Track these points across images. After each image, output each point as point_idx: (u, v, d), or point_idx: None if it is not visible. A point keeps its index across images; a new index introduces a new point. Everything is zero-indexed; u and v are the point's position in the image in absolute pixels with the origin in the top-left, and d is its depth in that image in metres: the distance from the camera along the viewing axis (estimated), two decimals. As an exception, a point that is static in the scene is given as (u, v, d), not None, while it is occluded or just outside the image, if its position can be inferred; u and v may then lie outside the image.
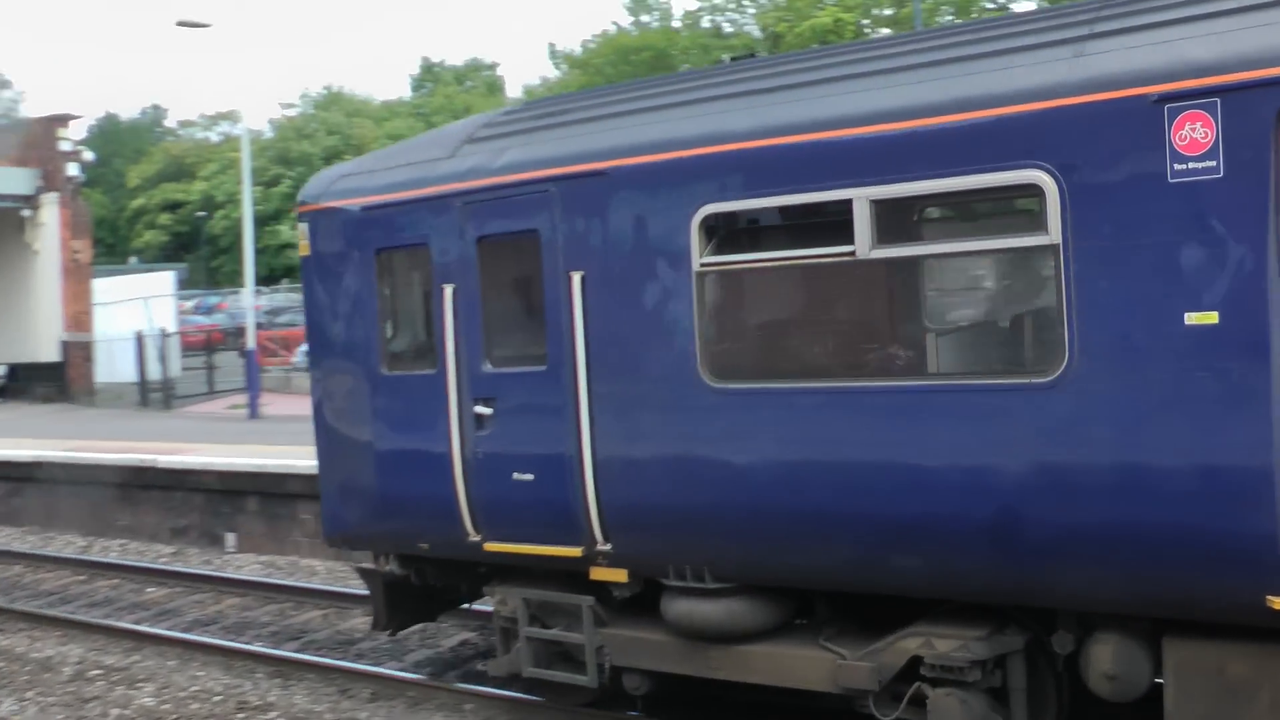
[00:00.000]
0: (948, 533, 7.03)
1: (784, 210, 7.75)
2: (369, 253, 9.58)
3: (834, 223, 7.33)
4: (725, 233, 7.86)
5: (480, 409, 8.98)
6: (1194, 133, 6.22)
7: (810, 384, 7.51)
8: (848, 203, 7.24)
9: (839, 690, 7.93)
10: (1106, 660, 7.02)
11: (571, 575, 8.93)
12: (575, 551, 8.63)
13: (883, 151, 7.10)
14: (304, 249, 10.21)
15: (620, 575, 8.60)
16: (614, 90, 9.21)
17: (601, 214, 8.27)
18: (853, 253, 7.25)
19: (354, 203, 9.73)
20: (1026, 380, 6.76)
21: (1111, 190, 6.45)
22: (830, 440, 7.34)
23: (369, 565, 10.58)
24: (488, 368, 8.93)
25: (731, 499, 7.76)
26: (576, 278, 8.37)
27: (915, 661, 7.62)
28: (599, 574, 8.70)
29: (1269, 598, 6.21)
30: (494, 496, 8.93)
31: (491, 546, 9.05)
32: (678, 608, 8.38)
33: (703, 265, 7.82)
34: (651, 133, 8.16)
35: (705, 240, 7.80)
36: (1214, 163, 6.19)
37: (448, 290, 9.07)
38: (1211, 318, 6.21)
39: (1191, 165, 6.24)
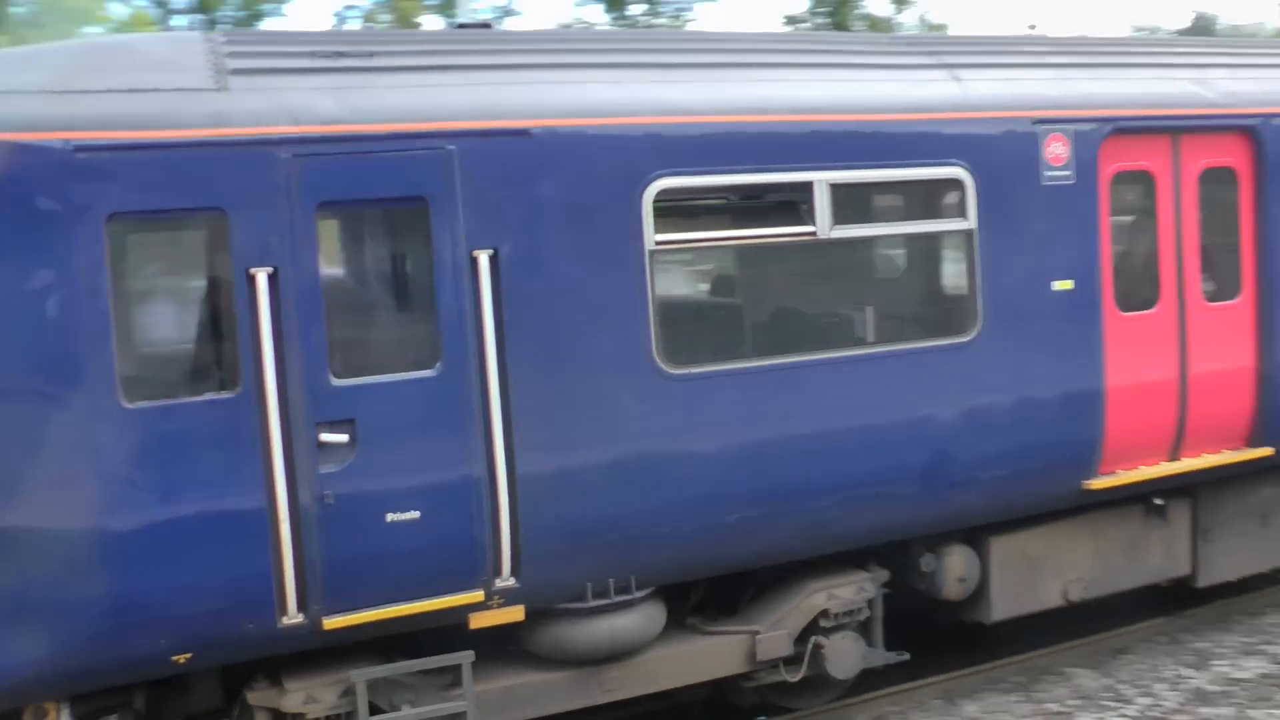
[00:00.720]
0: (893, 482, 8.04)
1: (745, 189, 7.69)
2: (93, 221, 6.11)
3: (792, 203, 7.71)
4: (681, 209, 7.46)
5: (328, 436, 6.61)
6: (1057, 149, 8.50)
7: (769, 362, 7.68)
8: (809, 185, 7.71)
9: (755, 667, 8.09)
10: (959, 567, 8.76)
11: (392, 640, 7.13)
12: (475, 596, 7.03)
13: (842, 140, 7.79)
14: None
15: (517, 614, 7.26)
16: (535, 37, 7.47)
17: (522, 182, 6.99)
18: (814, 233, 7.74)
19: (52, 138, 6.08)
20: (953, 341, 8.21)
21: (1007, 187, 8.34)
22: (793, 414, 7.67)
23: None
24: (337, 380, 6.62)
25: (688, 492, 7.44)
26: (484, 257, 6.90)
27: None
28: (486, 619, 7.19)
29: (1085, 483, 8.79)
30: (355, 551, 6.67)
31: (334, 623, 6.71)
32: (593, 630, 7.49)
33: (657, 244, 7.31)
34: (596, 93, 7.22)
35: (659, 217, 7.32)
36: (1069, 172, 8.56)
37: (261, 276, 6.42)
38: (1069, 284, 8.55)
39: (1055, 173, 8.50)
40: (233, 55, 6.72)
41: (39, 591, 6.09)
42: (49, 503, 6.08)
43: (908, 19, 26.95)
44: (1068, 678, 9.47)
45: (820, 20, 25.92)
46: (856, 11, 25.96)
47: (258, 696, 6.99)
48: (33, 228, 6.03)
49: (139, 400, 6.19)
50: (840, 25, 25.36)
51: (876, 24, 26.07)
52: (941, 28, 18.22)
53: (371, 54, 6.97)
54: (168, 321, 6.66)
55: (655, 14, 23.71)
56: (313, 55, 6.89)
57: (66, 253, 6.04)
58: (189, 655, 6.49)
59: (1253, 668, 9.50)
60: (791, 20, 26.54)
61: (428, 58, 7.13)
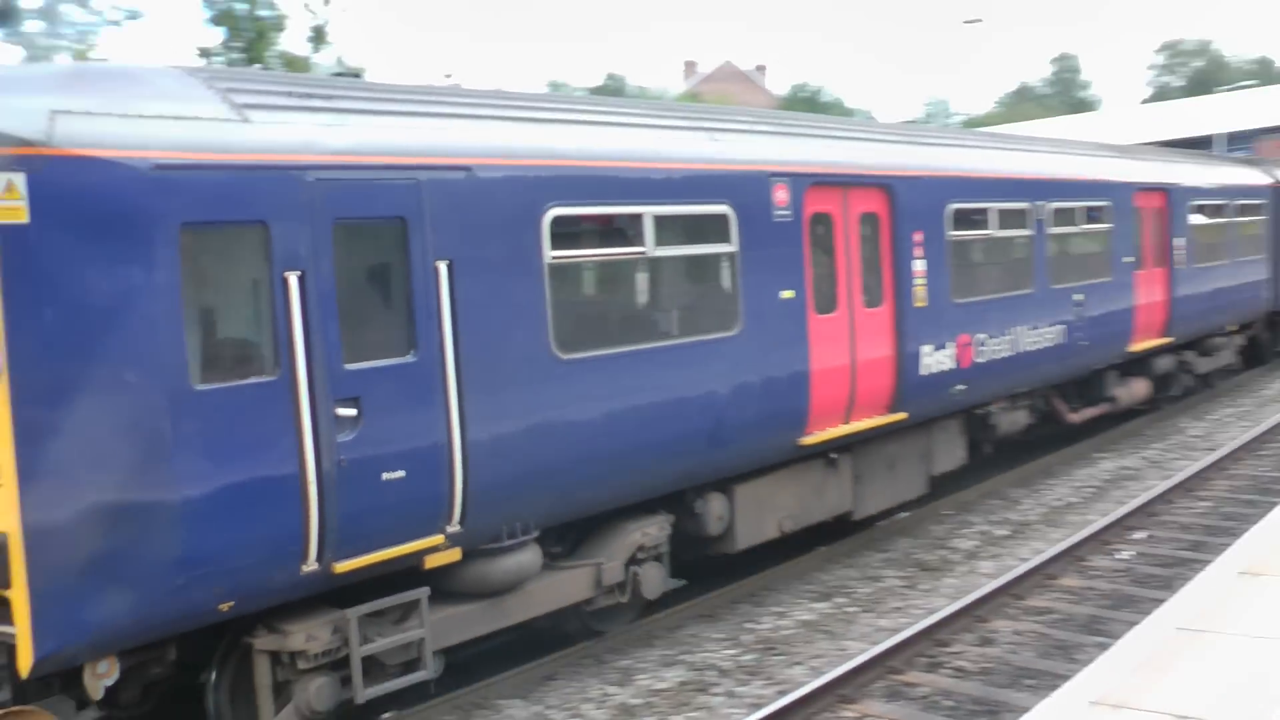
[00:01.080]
0: (692, 442, 10.61)
1: (605, 217, 9.89)
2: (170, 229, 7.25)
3: (632, 228, 10.10)
4: (567, 231, 9.57)
5: (343, 411, 8.13)
6: (781, 195, 11.46)
7: (621, 349, 9.98)
8: (641, 215, 10.14)
9: (598, 592, 10.28)
10: (719, 509, 11.41)
11: (344, 591, 8.61)
12: (436, 540, 8.75)
13: (661, 182, 10.29)
14: (9, 214, 6.75)
15: (457, 555, 9.03)
16: (471, 93, 8.96)
17: (466, 207, 8.85)
18: (644, 252, 10.17)
19: (134, 155, 7.15)
20: (726, 335, 10.92)
21: (754, 221, 11.18)
22: (633, 391, 10.03)
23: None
24: (348, 365, 8.15)
25: (570, 452, 9.59)
26: (443, 266, 8.70)
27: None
28: (437, 560, 8.90)
29: (798, 440, 11.81)
30: (360, 506, 8.20)
31: (342, 567, 8.19)
32: (504, 566, 9.38)
33: (553, 258, 9.42)
34: (514, 140, 9.17)
35: (554, 237, 9.43)
36: (789, 212, 11.53)
37: (292, 279, 7.86)
38: (791, 294, 11.54)
39: (780, 212, 11.46)
40: (233, 91, 7.97)
41: (125, 556, 7.08)
42: (136, 477, 7.10)
43: (324, 59, 26.44)
44: (498, 709, 9.66)
45: (235, 55, 25.67)
46: (272, 51, 25.78)
47: (264, 641, 8.19)
48: (118, 233, 7.07)
49: (212, 382, 7.37)
50: (255, 61, 25.27)
51: (293, 62, 25.84)
52: (360, 71, 19.65)
53: (337, 97, 8.49)
54: (224, 316, 7.79)
55: (57, 37, 23.15)
56: (303, 95, 8.31)
57: (148, 256, 7.13)
58: (231, 604, 7.68)
59: (672, 677, 10.12)
60: (205, 53, 25.70)
61: (391, 104, 8.75)
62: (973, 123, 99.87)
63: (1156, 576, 12.18)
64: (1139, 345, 18.39)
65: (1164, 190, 19.38)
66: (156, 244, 7.15)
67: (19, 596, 6.87)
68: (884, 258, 12.82)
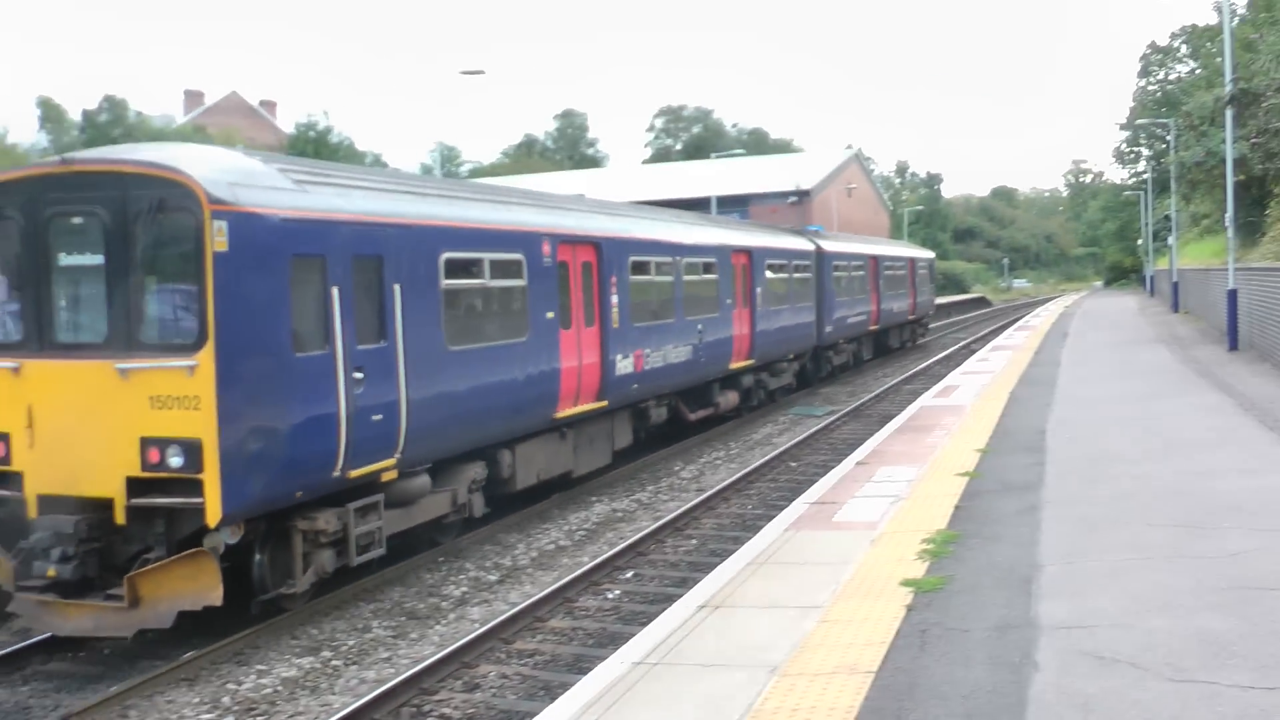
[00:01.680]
0: (505, 409, 16.05)
1: (469, 259, 15.14)
2: (285, 258, 11.95)
3: (479, 266, 15.48)
4: (451, 267, 14.78)
5: (357, 374, 12.98)
6: (546, 247, 17.13)
7: (477, 345, 15.28)
8: (483, 259, 15.55)
9: (455, 509, 15.42)
10: (509, 460, 16.80)
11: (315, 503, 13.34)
12: (390, 462, 13.68)
13: (494, 238, 15.74)
14: (219, 245, 11.25)
15: (395, 475, 13.96)
16: (406, 176, 13.72)
17: (407, 250, 13.91)
18: (485, 284, 15.57)
19: (270, 212, 11.79)
20: (522, 340, 16.44)
21: (532, 264, 16.79)
22: (482, 373, 15.37)
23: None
24: (359, 346, 13.02)
25: (454, 410, 14.79)
26: (397, 287, 13.73)
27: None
28: (387, 477, 13.80)
29: (552, 415, 17.49)
30: (363, 436, 13.04)
31: (354, 474, 13.00)
32: (417, 484, 14.39)
33: (445, 286, 14.62)
34: (427, 208, 14.32)
35: (446, 271, 14.64)
36: (551, 260, 17.23)
37: (334, 291, 12.67)
38: (551, 314, 17.24)
39: (546, 259, 17.12)
40: (283, 172, 12.62)
41: (262, 455, 11.61)
42: (271, 409, 11.68)
43: None
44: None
45: None
46: None
47: (303, 524, 12.71)
48: (265, 259, 11.66)
49: (298, 353, 12.05)
50: None
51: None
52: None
53: (339, 176, 13.32)
54: (305, 313, 12.33)
55: None
56: (323, 175, 13.08)
57: (278, 274, 11.78)
58: (301, 494, 12.29)
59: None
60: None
61: (368, 182, 13.67)
62: (479, 172, 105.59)
63: (642, 613, 12.45)
64: (735, 365, 25.57)
65: (748, 252, 26.81)
66: (281, 267, 11.79)
67: (210, 478, 11.25)
68: (595, 292, 18.80)
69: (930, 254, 59.45)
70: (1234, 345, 30.46)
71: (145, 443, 11.33)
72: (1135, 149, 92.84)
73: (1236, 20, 47.25)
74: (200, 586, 11.45)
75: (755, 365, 27.15)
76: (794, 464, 21.46)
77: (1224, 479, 13.45)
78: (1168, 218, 66.16)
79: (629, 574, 14.33)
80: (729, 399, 25.94)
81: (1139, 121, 78.48)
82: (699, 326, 23.18)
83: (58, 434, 11.73)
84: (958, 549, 11.02)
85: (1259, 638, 7.76)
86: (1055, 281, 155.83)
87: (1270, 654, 7.43)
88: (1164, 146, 68.08)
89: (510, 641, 11.90)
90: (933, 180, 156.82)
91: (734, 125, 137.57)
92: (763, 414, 28.74)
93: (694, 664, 8.11)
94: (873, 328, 41.37)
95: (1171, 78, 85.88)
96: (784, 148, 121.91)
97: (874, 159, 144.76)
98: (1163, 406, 20.14)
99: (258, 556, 12.64)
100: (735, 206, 66.92)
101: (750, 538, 13.18)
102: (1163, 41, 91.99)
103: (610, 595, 13.41)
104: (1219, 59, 43.15)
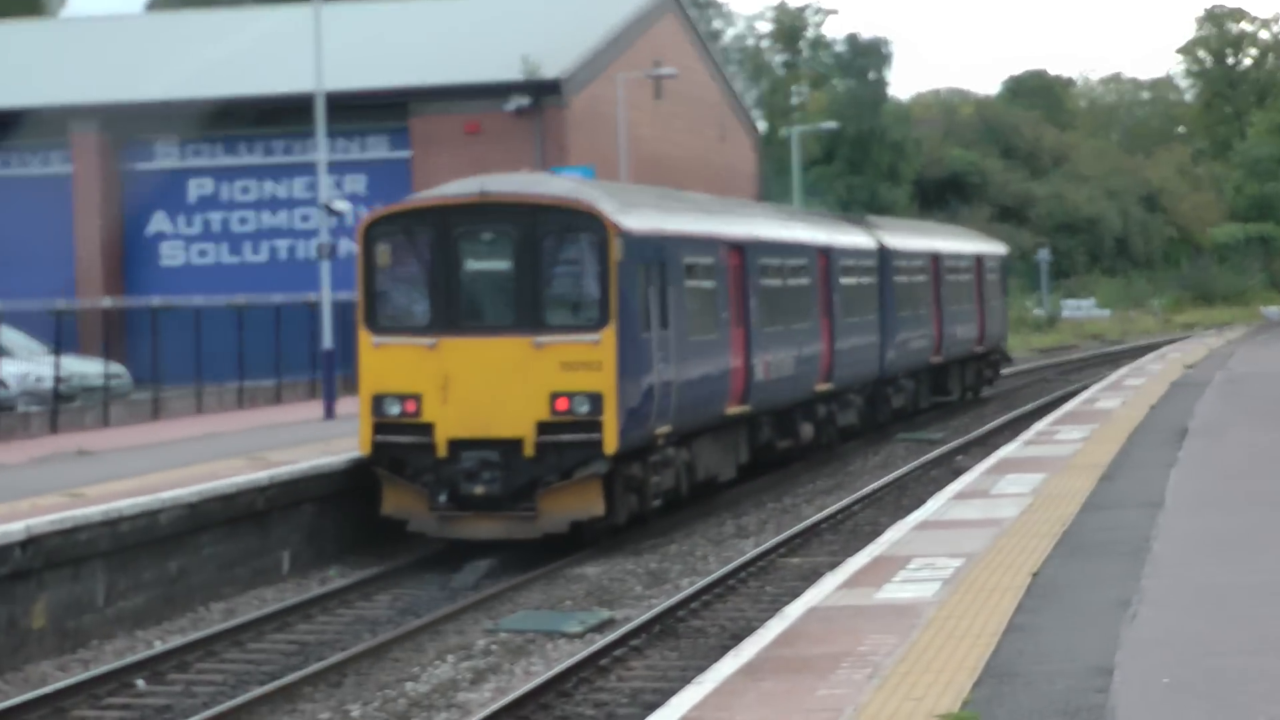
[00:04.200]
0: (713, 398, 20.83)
1: (696, 264, 19.95)
2: (641, 262, 16.66)
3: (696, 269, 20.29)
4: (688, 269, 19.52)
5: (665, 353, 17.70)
6: (723, 255, 21.96)
7: (702, 338, 20.05)
8: (696, 264, 20.38)
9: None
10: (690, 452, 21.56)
11: None
12: (669, 428, 18.37)
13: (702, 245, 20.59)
14: (617, 254, 15.91)
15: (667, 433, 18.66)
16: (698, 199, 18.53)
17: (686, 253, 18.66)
18: (698, 285, 20.40)
19: (634, 230, 16.49)
20: (713, 337, 21.28)
21: (722, 271, 21.60)
22: (707, 362, 20.07)
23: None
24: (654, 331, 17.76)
25: (698, 389, 19.45)
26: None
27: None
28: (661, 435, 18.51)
29: (723, 411, 22.29)
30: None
31: (659, 431, 17.67)
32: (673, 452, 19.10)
33: (687, 286, 19.37)
34: (712, 223, 19.15)
35: (685, 272, 19.39)
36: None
37: (669, 289, 17.37)
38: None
39: (722, 263, 21.94)
40: (609, 195, 17.33)
41: (641, 408, 16.29)
42: (647, 370, 16.40)
43: None
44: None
45: None
46: None
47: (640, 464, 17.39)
48: (638, 263, 16.31)
49: (645, 333, 16.74)
50: None
51: None
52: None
53: (658, 200, 18.10)
54: (650, 303, 16.95)
55: None
56: (640, 198, 17.81)
57: (642, 274, 16.49)
58: (641, 439, 16.98)
59: None
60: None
61: (681, 207, 18.44)
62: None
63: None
64: (819, 387, 23.44)
65: (826, 252, 24.78)
66: (642, 269, 16.45)
67: (609, 420, 15.84)
68: (742, 295, 23.51)
69: (1000, 247, 39.85)
70: None
71: (554, 396, 15.83)
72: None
73: None
74: (588, 503, 15.96)
75: (833, 391, 24.09)
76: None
77: None
78: None
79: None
80: (806, 431, 22.85)
81: None
82: (798, 336, 22.58)
83: (470, 391, 16.08)
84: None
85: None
86: (1168, 305, 69.77)
87: None
88: None
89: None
90: (866, 54, 70.23)
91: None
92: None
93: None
94: (934, 359, 30.63)
95: None
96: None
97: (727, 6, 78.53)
98: None
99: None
100: (381, 115, 34.40)
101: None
102: None
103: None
104: None
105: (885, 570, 10.17)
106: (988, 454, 19.13)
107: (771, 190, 48.90)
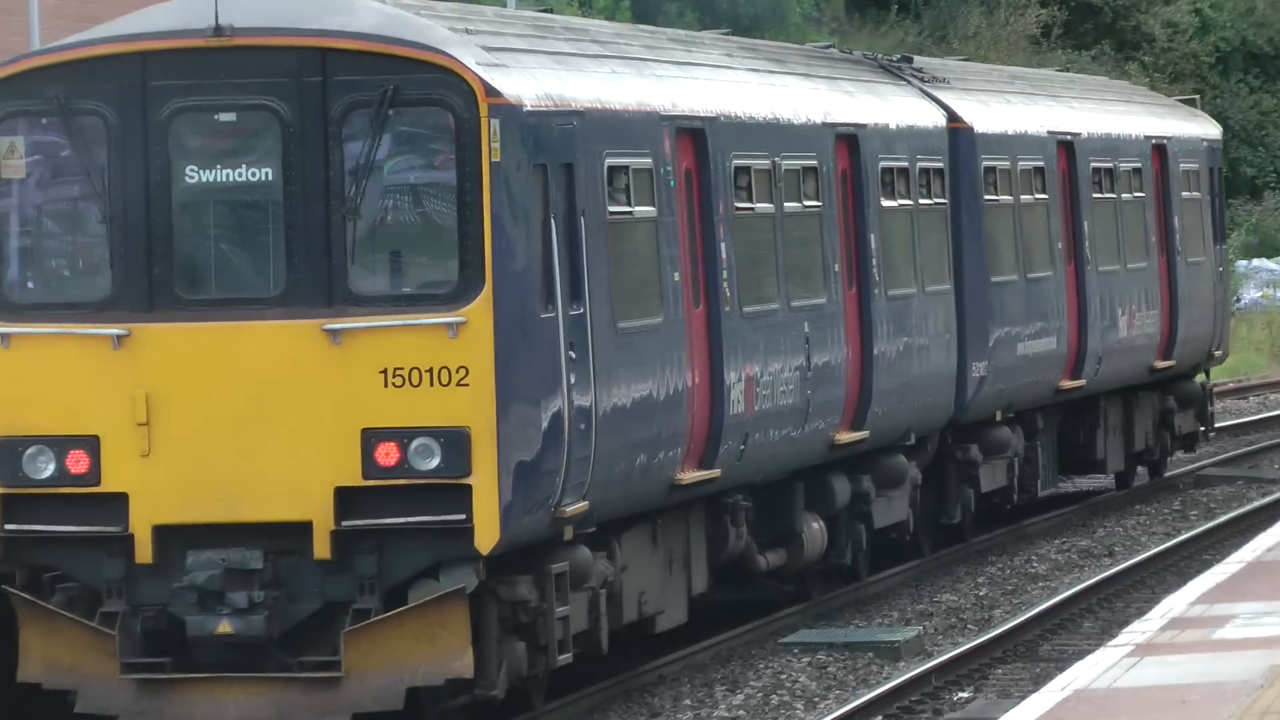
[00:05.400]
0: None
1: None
2: None
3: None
4: None
5: None
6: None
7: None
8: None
9: None
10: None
11: None
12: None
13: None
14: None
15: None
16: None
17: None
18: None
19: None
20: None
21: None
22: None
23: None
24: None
25: None
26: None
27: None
28: None
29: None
30: None
31: None
32: None
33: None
34: None
35: None
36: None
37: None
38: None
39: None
40: None
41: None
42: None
43: None
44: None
45: None
46: None
47: None
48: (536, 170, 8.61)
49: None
50: None
51: None
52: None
53: None
54: None
55: None
56: None
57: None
58: None
59: None
60: None
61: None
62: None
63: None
64: (842, 437, 13.19)
65: (852, 137, 13.74)
66: (540, 181, 8.64)
67: (484, 483, 8.32)
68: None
69: (1211, 127, 23.33)
70: None
71: (370, 437, 7.94)
72: None
73: None
74: (441, 652, 8.36)
75: (867, 445, 13.52)
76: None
77: None
78: None
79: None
80: (813, 533, 12.80)
81: None
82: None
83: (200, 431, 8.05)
84: None
85: None
86: None
87: None
88: None
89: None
90: None
91: None
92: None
93: None
94: (1064, 384, 17.60)
95: None
96: None
97: None
98: None
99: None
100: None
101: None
102: None
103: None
104: None
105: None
106: None
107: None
